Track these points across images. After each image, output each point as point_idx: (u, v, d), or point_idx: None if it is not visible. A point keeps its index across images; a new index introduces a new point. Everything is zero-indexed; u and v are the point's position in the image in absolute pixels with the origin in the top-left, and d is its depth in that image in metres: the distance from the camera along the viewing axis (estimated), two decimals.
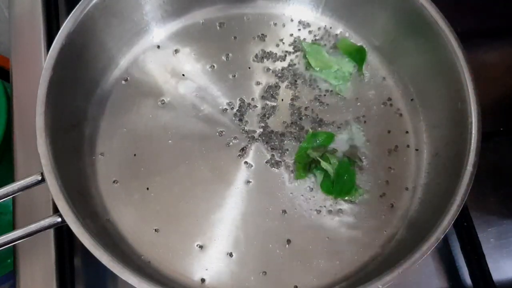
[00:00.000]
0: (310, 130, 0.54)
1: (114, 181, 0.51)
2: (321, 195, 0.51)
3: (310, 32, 0.59)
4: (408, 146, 0.54)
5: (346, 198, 0.51)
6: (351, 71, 0.57)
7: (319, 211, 0.51)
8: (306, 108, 0.55)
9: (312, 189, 0.52)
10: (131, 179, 0.51)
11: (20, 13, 0.59)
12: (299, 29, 0.59)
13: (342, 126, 0.54)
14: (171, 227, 0.49)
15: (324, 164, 0.50)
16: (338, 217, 0.51)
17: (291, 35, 0.59)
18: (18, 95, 0.55)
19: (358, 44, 0.58)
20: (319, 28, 0.59)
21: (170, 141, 0.53)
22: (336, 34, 0.59)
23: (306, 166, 0.52)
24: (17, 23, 0.58)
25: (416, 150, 0.54)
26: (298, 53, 0.58)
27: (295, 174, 0.52)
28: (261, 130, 0.54)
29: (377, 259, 0.49)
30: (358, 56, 0.57)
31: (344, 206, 0.51)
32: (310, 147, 0.52)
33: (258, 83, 0.56)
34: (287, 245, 0.49)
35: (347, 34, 0.59)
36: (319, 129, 0.54)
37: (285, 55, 0.58)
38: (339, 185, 0.51)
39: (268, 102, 0.55)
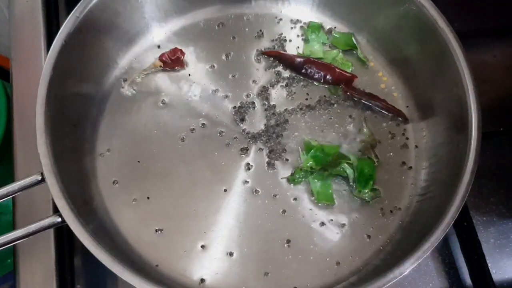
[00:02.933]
0: (306, 138, 0.54)
1: (114, 181, 0.51)
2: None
3: (309, 31, 0.59)
4: (408, 146, 0.54)
5: (366, 190, 0.51)
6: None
7: (319, 211, 0.51)
8: (307, 109, 0.55)
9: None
10: (131, 179, 0.51)
11: (20, 13, 0.59)
12: (299, 29, 0.59)
13: (343, 126, 0.55)
14: (171, 227, 0.49)
15: (345, 167, 0.51)
16: (339, 216, 0.51)
17: (291, 34, 0.59)
18: (18, 95, 0.55)
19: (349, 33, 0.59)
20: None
21: (170, 141, 0.53)
22: (336, 34, 0.59)
23: (307, 174, 0.52)
24: (17, 23, 0.58)
25: (416, 147, 0.54)
26: (299, 52, 0.58)
27: (290, 178, 0.52)
28: (261, 130, 0.54)
29: (377, 259, 0.49)
30: (353, 44, 0.58)
31: (345, 205, 0.51)
32: (317, 157, 0.52)
33: (258, 83, 0.56)
34: (287, 245, 0.49)
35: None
36: (321, 129, 0.54)
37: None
38: (362, 179, 0.51)
39: (268, 102, 0.55)
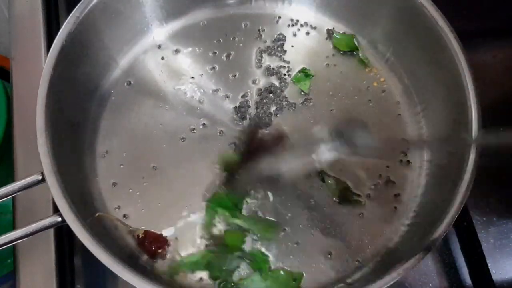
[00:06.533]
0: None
1: (114, 181, 0.51)
2: (323, 192, 0.51)
3: (310, 32, 0.59)
4: (407, 145, 0.54)
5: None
6: None
7: (319, 211, 0.51)
8: (307, 108, 0.55)
9: (312, 188, 0.52)
10: (131, 179, 0.51)
11: (20, 13, 0.59)
12: (299, 29, 0.59)
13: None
14: (171, 227, 0.49)
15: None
16: (339, 217, 0.50)
17: (292, 34, 0.59)
18: (18, 95, 0.55)
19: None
20: (320, 29, 0.59)
21: (170, 141, 0.53)
22: (337, 35, 0.59)
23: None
24: (17, 23, 0.58)
25: (415, 141, 0.54)
26: (299, 52, 0.58)
27: None
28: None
29: (376, 259, 0.49)
30: (354, 45, 0.58)
31: (345, 207, 0.51)
32: None
33: (258, 83, 0.56)
34: (295, 245, 0.49)
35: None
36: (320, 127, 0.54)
37: (286, 55, 0.58)
38: None
39: (269, 102, 0.55)
